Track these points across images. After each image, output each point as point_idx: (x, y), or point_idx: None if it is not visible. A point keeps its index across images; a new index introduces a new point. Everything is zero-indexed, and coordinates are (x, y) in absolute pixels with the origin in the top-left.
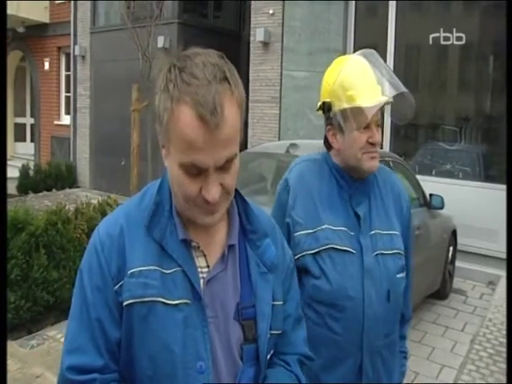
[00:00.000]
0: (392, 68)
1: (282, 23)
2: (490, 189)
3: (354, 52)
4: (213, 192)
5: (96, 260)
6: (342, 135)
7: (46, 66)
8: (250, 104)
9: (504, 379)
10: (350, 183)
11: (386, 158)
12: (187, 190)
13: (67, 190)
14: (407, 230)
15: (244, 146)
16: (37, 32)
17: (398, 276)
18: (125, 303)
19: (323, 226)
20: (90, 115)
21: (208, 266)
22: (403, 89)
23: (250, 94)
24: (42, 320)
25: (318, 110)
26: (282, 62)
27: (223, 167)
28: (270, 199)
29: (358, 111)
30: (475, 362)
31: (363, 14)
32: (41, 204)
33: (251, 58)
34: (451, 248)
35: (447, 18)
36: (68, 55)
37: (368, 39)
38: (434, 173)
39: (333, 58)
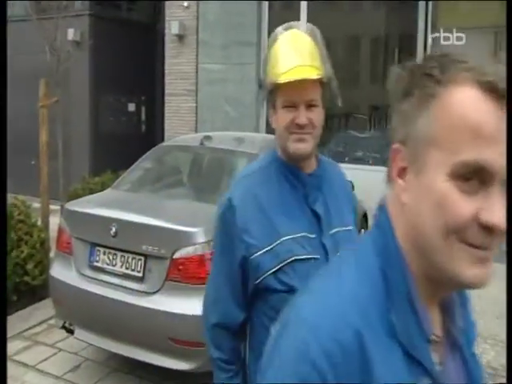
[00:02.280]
0: None
1: (197, 16)
2: None
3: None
4: (500, 214)
5: (319, 378)
6: (274, 113)
7: None
8: (165, 98)
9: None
10: (301, 178)
11: None
12: (457, 211)
13: None
14: (355, 221)
15: (161, 139)
16: None
17: None
18: None
19: (282, 239)
20: None
21: (440, 363)
22: (331, 75)
23: (166, 88)
24: None
25: (260, 88)
26: (197, 55)
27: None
28: (186, 192)
29: (281, 88)
30: None
31: (277, 10)
32: None
33: (166, 51)
34: (363, 230)
35: (357, 16)
36: None
37: None
38: (346, 160)
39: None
